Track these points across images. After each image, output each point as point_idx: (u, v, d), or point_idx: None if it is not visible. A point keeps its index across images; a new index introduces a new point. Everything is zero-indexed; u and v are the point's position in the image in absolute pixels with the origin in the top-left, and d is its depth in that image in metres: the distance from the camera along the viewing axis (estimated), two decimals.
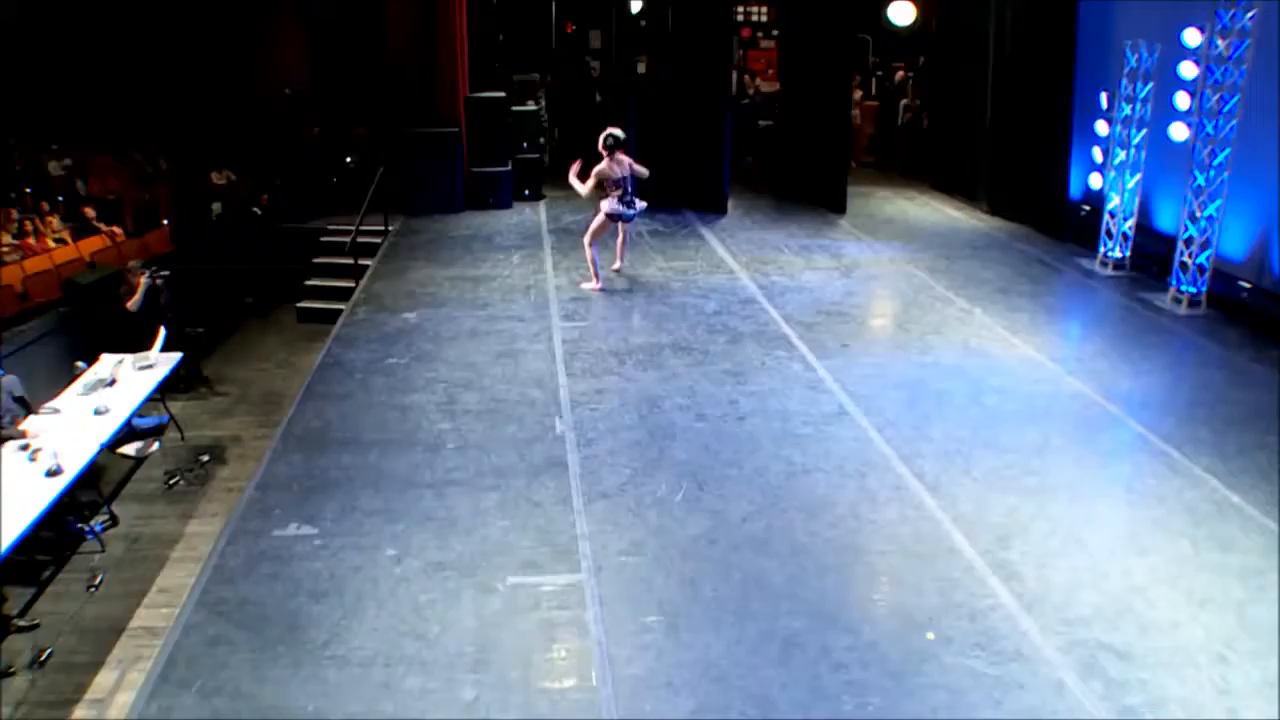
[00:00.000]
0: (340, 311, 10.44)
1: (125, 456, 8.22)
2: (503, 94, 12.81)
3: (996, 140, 12.85)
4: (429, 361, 7.80)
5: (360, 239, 10.76)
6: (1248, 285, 9.00)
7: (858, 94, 15.45)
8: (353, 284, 10.63)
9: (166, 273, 9.56)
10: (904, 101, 15.82)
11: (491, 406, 6.99)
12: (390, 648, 4.50)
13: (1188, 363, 8.20)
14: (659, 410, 6.97)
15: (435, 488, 5.87)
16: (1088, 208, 11.84)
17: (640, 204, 9.42)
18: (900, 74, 15.94)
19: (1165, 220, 10.53)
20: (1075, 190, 12.15)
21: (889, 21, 16.16)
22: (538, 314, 8.93)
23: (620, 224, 9.71)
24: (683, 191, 13.00)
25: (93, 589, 6.38)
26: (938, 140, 14.84)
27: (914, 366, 7.91)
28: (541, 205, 13.16)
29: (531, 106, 13.24)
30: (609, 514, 5.60)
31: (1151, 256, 10.48)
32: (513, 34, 15.90)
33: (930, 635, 4.61)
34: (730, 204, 13.01)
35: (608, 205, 9.33)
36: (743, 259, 10.87)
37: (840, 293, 9.87)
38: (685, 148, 12.84)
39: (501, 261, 10.53)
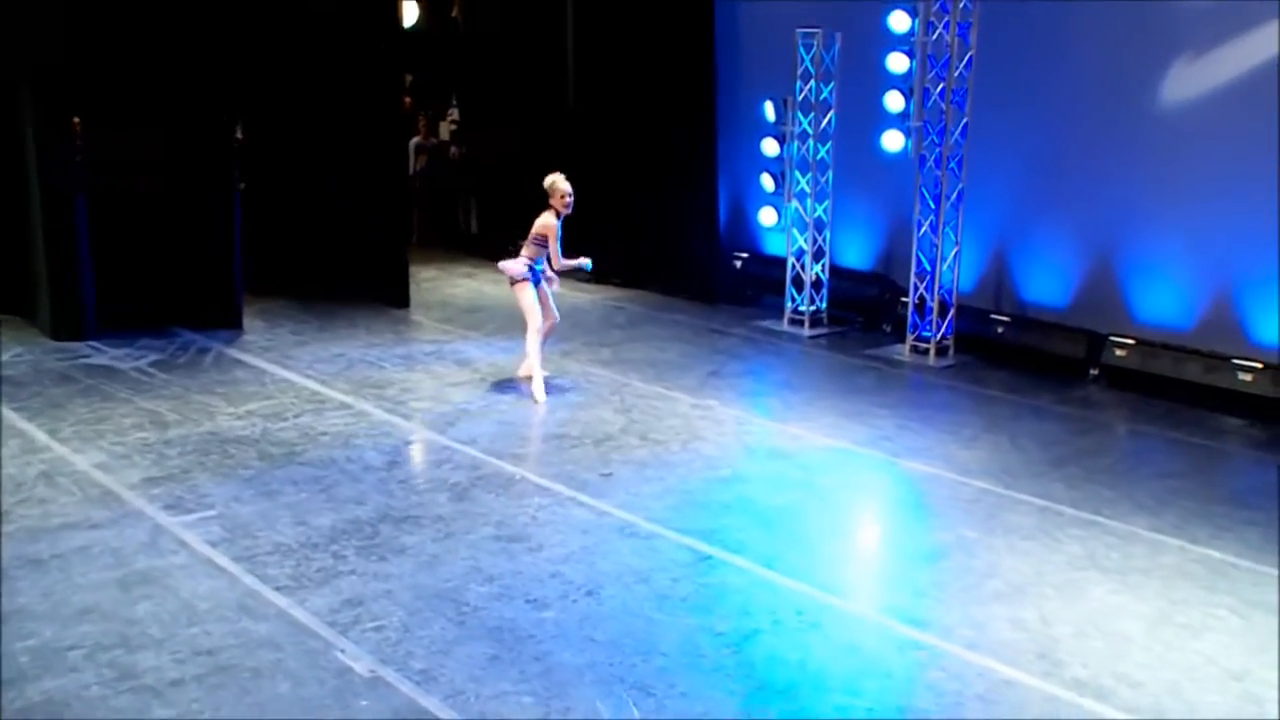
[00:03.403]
0: None
1: None
2: None
3: (584, 184, 14.24)
4: (19, 621, 6.68)
5: None
6: (1004, 319, 11.26)
7: None
8: None
9: None
10: (415, 140, 16.75)
11: (210, 665, 6.21)
12: None
13: (1002, 418, 10.11)
14: (471, 610, 6.81)
15: None
16: (745, 255, 13.72)
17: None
18: (407, 100, 16.84)
19: (855, 257, 12.69)
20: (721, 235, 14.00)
21: None
22: (117, 513, 8.02)
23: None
24: (168, 303, 12.49)
25: None
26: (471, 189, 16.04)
27: (716, 484, 8.74)
28: None
29: None
30: None
31: (853, 303, 12.54)
32: None
33: None
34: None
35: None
36: (343, 386, 10.83)
37: (525, 411, 10.37)
38: (168, 240, 12.37)
39: None
